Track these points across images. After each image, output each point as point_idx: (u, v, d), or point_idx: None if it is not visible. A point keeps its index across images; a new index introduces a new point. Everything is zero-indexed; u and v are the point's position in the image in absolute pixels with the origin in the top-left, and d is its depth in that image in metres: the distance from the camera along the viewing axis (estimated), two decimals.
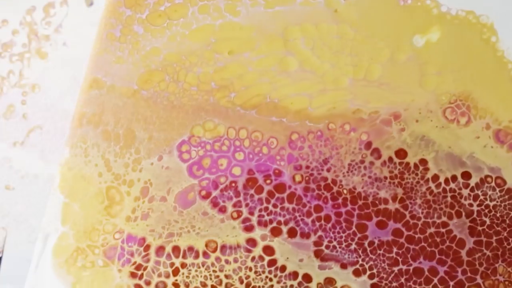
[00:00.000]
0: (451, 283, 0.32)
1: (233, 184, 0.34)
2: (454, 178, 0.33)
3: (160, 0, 0.34)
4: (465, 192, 0.33)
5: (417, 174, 0.33)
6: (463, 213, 0.33)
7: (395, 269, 0.33)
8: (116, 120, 0.34)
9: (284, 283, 0.33)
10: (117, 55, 0.34)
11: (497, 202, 0.33)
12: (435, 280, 0.32)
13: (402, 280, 0.32)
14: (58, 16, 0.35)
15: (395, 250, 0.33)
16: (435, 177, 0.33)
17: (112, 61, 0.34)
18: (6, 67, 0.35)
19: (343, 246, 0.33)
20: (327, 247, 0.33)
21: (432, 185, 0.33)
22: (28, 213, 0.35)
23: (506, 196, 0.33)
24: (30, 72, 0.35)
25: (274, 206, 0.34)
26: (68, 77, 0.35)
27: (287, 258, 0.33)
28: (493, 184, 0.33)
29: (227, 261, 0.33)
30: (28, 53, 0.35)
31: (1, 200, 0.35)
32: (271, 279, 0.33)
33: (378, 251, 0.33)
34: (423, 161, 0.33)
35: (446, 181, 0.33)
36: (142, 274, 0.33)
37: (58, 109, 0.35)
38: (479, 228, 0.33)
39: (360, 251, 0.33)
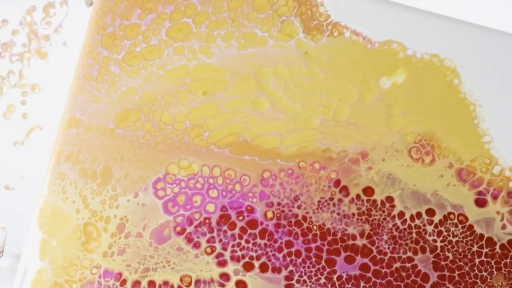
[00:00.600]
0: None
1: (207, 221, 0.36)
2: (419, 215, 0.35)
3: (136, 41, 0.37)
4: (430, 228, 0.35)
5: (383, 211, 0.36)
6: (428, 249, 0.35)
7: None
8: (93, 158, 0.36)
9: None
10: (94, 95, 0.36)
11: (459, 238, 0.35)
12: None
13: None
14: (58, 16, 0.37)
15: (362, 284, 0.36)
16: (401, 214, 0.36)
17: (89, 100, 0.36)
18: (6, 67, 0.37)
19: (313, 280, 0.36)
20: (298, 281, 0.36)
21: (398, 221, 0.36)
22: (28, 213, 0.37)
23: (468, 232, 0.35)
24: (30, 72, 0.37)
25: (247, 241, 0.36)
26: (68, 77, 0.37)
27: None
28: (455, 221, 0.35)
29: None
30: (28, 53, 0.37)
31: (1, 200, 0.36)
32: None
33: (346, 285, 0.36)
34: (390, 199, 0.36)
35: (412, 217, 0.35)
36: None
37: (58, 109, 0.37)
38: (443, 263, 0.35)
39: (329, 285, 0.36)
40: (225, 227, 0.36)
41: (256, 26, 0.36)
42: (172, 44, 0.36)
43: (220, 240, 0.36)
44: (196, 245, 0.36)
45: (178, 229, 0.36)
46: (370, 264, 0.36)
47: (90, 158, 0.36)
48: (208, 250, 0.36)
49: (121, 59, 0.36)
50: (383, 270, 0.36)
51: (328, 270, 0.36)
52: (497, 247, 0.35)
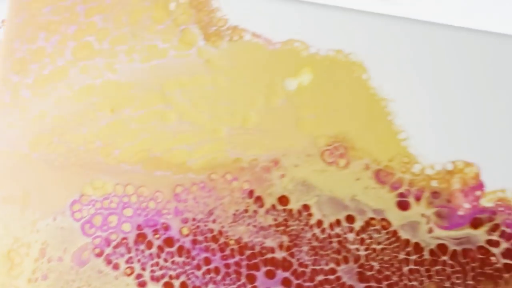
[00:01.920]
0: None
1: (124, 241, 0.43)
2: (338, 222, 0.40)
3: (43, 64, 0.44)
4: (351, 236, 0.40)
5: (301, 221, 0.41)
6: (351, 259, 0.40)
7: None
8: (12, 183, 0.44)
9: None
10: (8, 121, 0.45)
11: (385, 245, 0.40)
12: None
13: None
14: None
15: None
16: (320, 223, 0.40)
17: (4, 127, 0.45)
18: None
19: None
20: None
21: (317, 230, 0.41)
22: None
23: (393, 239, 0.40)
24: None
25: (165, 260, 0.43)
26: None
27: None
28: (378, 226, 0.40)
29: None
30: None
31: None
32: None
33: None
34: (306, 207, 0.41)
35: (331, 226, 0.40)
36: None
37: None
38: (368, 273, 0.40)
39: None
40: (142, 247, 0.43)
41: (157, 38, 0.42)
42: (77, 64, 0.44)
43: (139, 260, 0.43)
44: (116, 267, 0.43)
45: (97, 251, 0.43)
46: (292, 278, 0.41)
47: (9, 184, 0.44)
48: (128, 271, 0.43)
49: (31, 83, 0.44)
50: (305, 284, 0.41)
51: (249, 286, 0.41)
52: (426, 253, 0.39)
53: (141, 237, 0.40)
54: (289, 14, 0.38)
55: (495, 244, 0.36)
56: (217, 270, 0.40)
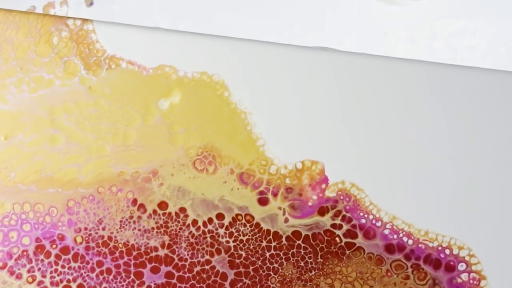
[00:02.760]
0: None
1: (25, 253, 0.49)
2: (210, 220, 0.48)
3: None
4: (221, 231, 0.48)
5: (179, 222, 0.48)
6: (222, 250, 0.48)
7: None
8: None
9: None
10: None
11: (249, 236, 0.48)
12: None
13: None
14: None
15: None
16: (195, 222, 0.48)
17: None
18: None
19: None
20: None
21: (193, 229, 0.48)
22: None
23: (256, 230, 0.48)
24: None
25: (62, 267, 0.49)
26: None
27: None
28: (243, 221, 0.48)
29: None
30: None
31: None
32: None
33: None
34: (183, 209, 0.48)
35: (204, 224, 0.48)
36: None
37: None
38: (237, 261, 0.48)
39: None
40: (41, 256, 0.49)
41: (42, 70, 0.49)
42: None
43: (39, 269, 0.49)
44: (18, 276, 0.49)
45: (0, 264, 0.49)
46: (174, 271, 0.48)
47: None
48: (30, 279, 0.49)
49: None
50: (186, 275, 0.48)
51: (137, 282, 0.48)
52: (283, 239, 0.47)
53: (40, 248, 0.46)
54: (159, 42, 0.46)
55: (339, 227, 0.45)
56: (109, 271, 0.46)
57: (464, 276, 0.44)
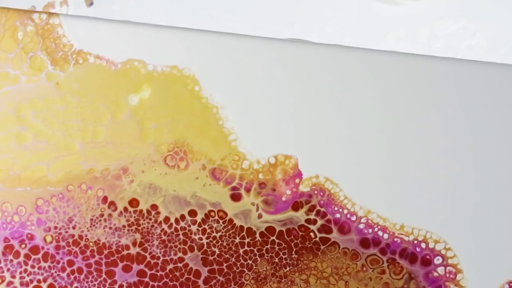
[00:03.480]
0: None
1: None
2: (182, 217, 0.48)
3: None
4: (194, 228, 0.48)
5: (150, 219, 0.48)
6: (195, 247, 0.48)
7: None
8: None
9: None
10: None
11: (223, 232, 0.47)
12: None
13: None
14: None
15: None
16: (167, 219, 0.48)
17: None
18: None
19: None
20: None
21: (165, 226, 0.48)
22: None
23: (229, 226, 0.47)
24: None
25: (32, 267, 0.48)
26: None
27: None
28: (216, 217, 0.47)
29: None
30: None
31: None
32: None
33: None
34: (154, 206, 0.48)
35: (177, 221, 0.48)
36: None
37: None
38: (211, 258, 0.47)
39: None
40: (10, 257, 0.48)
41: (8, 66, 0.48)
42: None
43: (8, 269, 0.48)
44: None
45: None
46: (146, 269, 0.48)
47: None
48: None
49: None
50: (158, 273, 0.48)
51: (109, 281, 0.48)
52: (257, 235, 0.47)
53: (8, 249, 0.46)
54: (127, 35, 0.45)
55: (313, 222, 0.45)
56: (80, 270, 0.46)
57: (441, 270, 0.44)
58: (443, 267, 0.44)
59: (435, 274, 0.44)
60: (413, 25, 0.42)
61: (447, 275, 0.44)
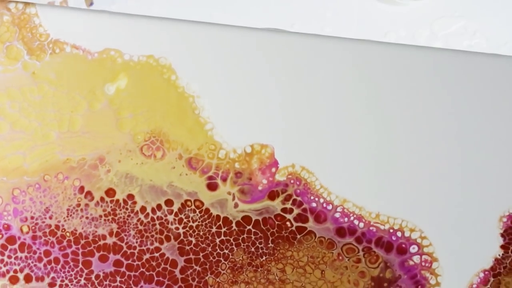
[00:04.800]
0: None
1: None
2: (159, 207, 0.49)
3: None
4: (171, 217, 0.49)
5: (127, 209, 0.49)
6: (172, 237, 0.49)
7: None
8: None
9: None
10: None
11: (199, 222, 0.48)
12: None
13: None
14: None
15: (118, 279, 0.49)
16: (143, 209, 0.49)
17: None
18: None
19: (74, 282, 0.49)
20: (61, 286, 0.49)
21: (141, 216, 0.49)
22: None
23: (206, 216, 0.48)
24: None
25: (9, 257, 0.49)
26: None
27: None
28: (193, 207, 0.48)
29: None
30: None
31: None
32: None
33: (105, 282, 0.49)
34: (131, 196, 0.49)
35: (153, 210, 0.49)
36: None
37: None
38: (187, 247, 0.49)
39: (89, 285, 0.49)
40: None
41: None
42: None
43: None
44: None
45: None
46: (123, 259, 0.49)
47: None
48: None
49: None
50: (135, 263, 0.49)
51: (86, 271, 0.49)
52: (233, 224, 0.48)
53: None
54: (103, 25, 0.46)
55: (289, 211, 0.46)
56: (57, 260, 0.47)
57: (416, 258, 0.45)
58: (418, 256, 0.45)
59: (411, 262, 0.45)
60: (413, 25, 0.43)
61: (423, 263, 0.45)
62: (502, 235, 0.45)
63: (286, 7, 0.44)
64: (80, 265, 0.47)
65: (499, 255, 0.45)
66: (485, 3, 0.43)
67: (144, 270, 0.46)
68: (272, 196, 0.46)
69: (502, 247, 0.45)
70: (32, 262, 0.47)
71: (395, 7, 0.43)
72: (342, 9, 0.44)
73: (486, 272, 0.45)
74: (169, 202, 0.46)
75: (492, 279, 0.45)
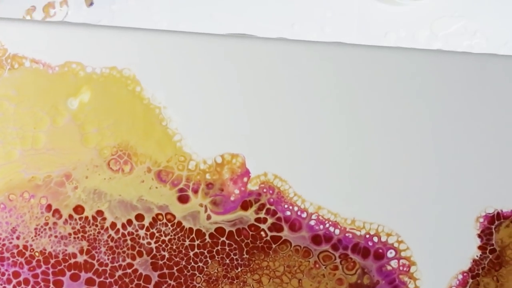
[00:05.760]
0: None
1: None
2: (129, 222, 0.48)
3: None
4: (142, 232, 0.48)
5: (97, 225, 0.48)
6: (144, 252, 0.48)
7: None
8: None
9: None
10: None
11: (172, 236, 0.48)
12: None
13: None
14: (58, 16, 0.49)
15: None
16: (113, 225, 0.48)
17: None
18: None
19: None
20: None
21: (112, 232, 0.48)
22: None
23: (178, 229, 0.48)
24: None
25: None
26: None
27: None
28: (164, 220, 0.48)
29: None
30: None
31: None
32: None
33: None
34: (100, 212, 0.48)
35: (123, 226, 0.48)
36: None
37: None
38: (160, 262, 0.48)
39: None
40: None
41: None
42: None
43: None
44: None
45: None
46: (95, 277, 0.48)
47: None
48: None
49: None
50: (107, 281, 0.48)
51: None
52: (207, 237, 0.48)
53: None
54: (63, 37, 0.45)
55: (263, 220, 0.46)
56: (26, 281, 0.46)
57: (394, 263, 0.45)
58: (396, 260, 0.45)
59: (389, 267, 0.45)
60: (413, 25, 0.43)
61: (401, 268, 0.45)
62: (479, 236, 0.45)
63: (286, 8, 0.44)
64: (51, 285, 0.46)
65: (476, 256, 0.45)
66: (485, 3, 0.43)
67: (117, 287, 0.46)
68: (245, 206, 0.45)
69: (479, 247, 0.45)
70: (1, 285, 0.46)
71: (395, 7, 0.43)
72: (342, 9, 0.44)
73: (465, 274, 0.45)
74: (139, 217, 0.46)
75: (470, 280, 0.45)
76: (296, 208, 0.45)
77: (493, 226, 0.45)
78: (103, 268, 0.46)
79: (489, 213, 0.45)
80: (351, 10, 0.43)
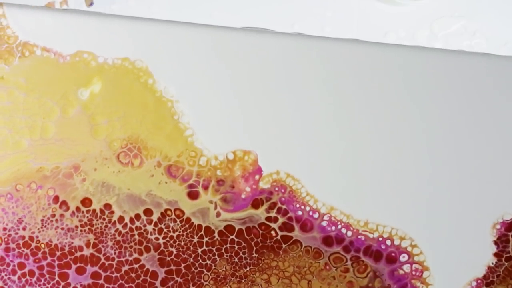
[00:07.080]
0: None
1: None
2: (137, 216, 0.48)
3: None
4: (150, 227, 0.48)
5: (104, 219, 0.48)
6: (151, 248, 0.48)
7: None
8: None
9: None
10: None
11: (180, 232, 0.48)
12: None
13: None
14: None
15: None
16: (121, 219, 0.48)
17: None
18: None
19: None
20: None
21: (119, 226, 0.48)
22: None
23: (187, 225, 0.48)
24: None
25: None
26: None
27: None
28: (173, 216, 0.48)
29: None
30: None
31: None
32: None
33: None
34: (108, 206, 0.48)
35: (131, 220, 0.48)
36: None
37: None
38: (168, 258, 0.48)
39: None
40: None
41: None
42: None
43: None
44: None
45: None
46: (100, 271, 0.48)
47: None
48: None
49: None
50: (113, 275, 0.48)
51: (62, 284, 0.48)
52: (216, 234, 0.48)
53: None
54: (75, 26, 0.45)
55: (274, 220, 0.45)
56: (31, 273, 0.46)
57: (406, 268, 0.45)
58: (409, 265, 0.45)
59: (401, 271, 0.45)
60: (413, 25, 0.43)
61: (413, 272, 0.45)
62: (495, 243, 0.45)
63: (286, 7, 0.43)
64: (56, 278, 0.46)
65: (492, 263, 0.45)
66: (485, 3, 0.43)
67: (123, 282, 0.46)
68: (256, 204, 0.45)
69: (495, 255, 0.45)
70: (6, 275, 0.46)
71: (395, 7, 0.43)
72: (342, 9, 0.44)
73: (479, 281, 0.45)
74: (148, 212, 0.46)
75: None
76: (308, 208, 0.45)
77: (510, 233, 0.44)
78: (110, 262, 0.46)
79: (507, 220, 0.44)
80: (350, 10, 0.43)
